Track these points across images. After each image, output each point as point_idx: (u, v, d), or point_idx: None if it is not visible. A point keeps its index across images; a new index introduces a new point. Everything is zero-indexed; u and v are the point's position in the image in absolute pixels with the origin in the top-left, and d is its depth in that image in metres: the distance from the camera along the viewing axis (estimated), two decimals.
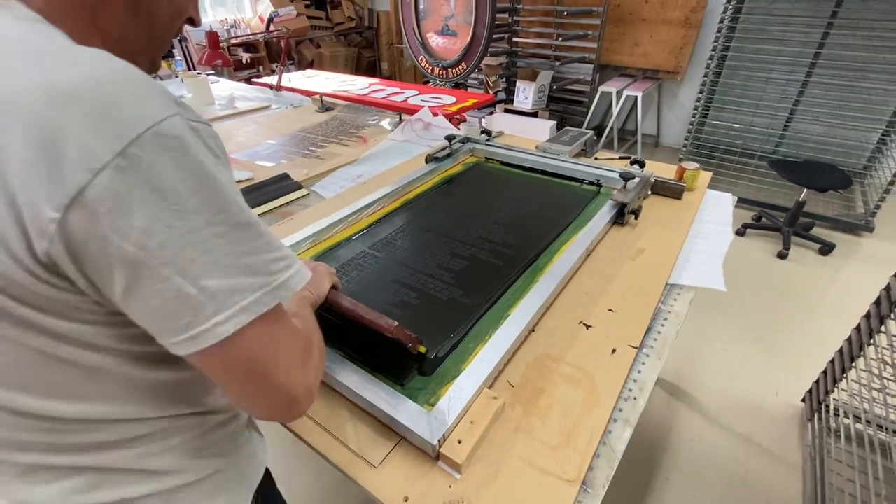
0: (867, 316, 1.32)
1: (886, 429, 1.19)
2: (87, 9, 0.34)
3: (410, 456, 0.60)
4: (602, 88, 3.67)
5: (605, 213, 1.08)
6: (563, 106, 4.02)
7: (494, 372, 0.68)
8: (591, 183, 1.29)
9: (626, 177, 1.17)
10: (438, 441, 0.57)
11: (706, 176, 1.32)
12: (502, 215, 1.14)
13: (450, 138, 1.46)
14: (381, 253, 0.99)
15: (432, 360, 0.72)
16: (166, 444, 0.44)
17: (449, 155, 1.43)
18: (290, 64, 4.62)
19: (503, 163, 1.44)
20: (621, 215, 1.09)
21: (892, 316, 1.23)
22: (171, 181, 0.29)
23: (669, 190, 1.24)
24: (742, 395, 1.71)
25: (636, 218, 1.12)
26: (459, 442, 0.58)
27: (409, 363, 0.71)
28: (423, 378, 0.69)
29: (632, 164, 1.27)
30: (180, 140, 0.30)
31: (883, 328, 1.26)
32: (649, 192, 1.25)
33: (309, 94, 2.30)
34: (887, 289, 1.24)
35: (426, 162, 1.40)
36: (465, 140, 1.50)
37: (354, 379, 0.65)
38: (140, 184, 0.28)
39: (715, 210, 1.21)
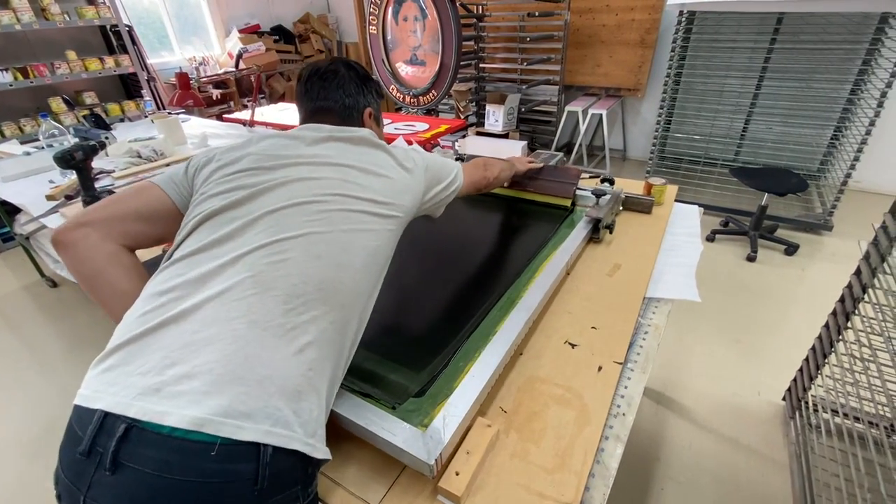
0: (834, 313, 1.38)
1: (862, 420, 1.23)
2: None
3: (409, 493, 0.60)
4: (568, 108, 3.80)
5: (580, 228, 1.11)
6: (532, 126, 4.15)
7: (487, 388, 0.68)
8: None
9: (597, 194, 1.22)
10: (436, 461, 0.56)
11: (673, 190, 1.38)
12: (480, 236, 1.16)
13: None
14: None
15: (423, 381, 0.71)
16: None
17: None
18: (262, 98, 4.64)
19: None
20: (596, 230, 1.13)
21: (856, 312, 1.30)
22: (434, 162, 0.86)
23: (640, 205, 1.29)
24: (726, 397, 1.75)
25: (611, 232, 1.17)
26: (457, 474, 0.58)
27: (402, 384, 0.70)
28: (415, 400, 0.68)
29: (602, 182, 1.32)
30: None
31: (849, 324, 1.32)
32: (621, 208, 1.30)
33: (283, 127, 2.31)
34: (849, 286, 1.31)
35: None
36: None
37: (347, 406, 0.64)
38: (427, 163, 0.83)
39: (683, 222, 1.27)
